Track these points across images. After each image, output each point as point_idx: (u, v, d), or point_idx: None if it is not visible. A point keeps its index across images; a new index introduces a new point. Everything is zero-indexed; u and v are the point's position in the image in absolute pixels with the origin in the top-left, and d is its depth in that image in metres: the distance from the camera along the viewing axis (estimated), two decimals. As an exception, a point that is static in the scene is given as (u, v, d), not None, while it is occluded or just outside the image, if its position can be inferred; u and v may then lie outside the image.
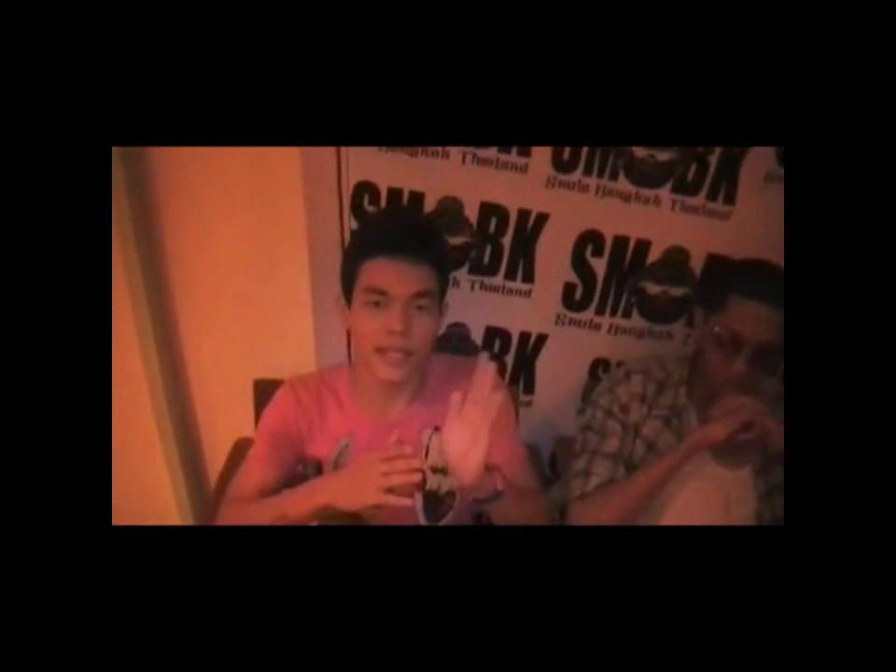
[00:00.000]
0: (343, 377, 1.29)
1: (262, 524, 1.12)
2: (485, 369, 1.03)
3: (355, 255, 1.13)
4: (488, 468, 1.07)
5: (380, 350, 1.12)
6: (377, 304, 1.10)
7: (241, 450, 1.58)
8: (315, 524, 1.24)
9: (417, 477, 1.03)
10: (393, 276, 1.09)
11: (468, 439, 1.03)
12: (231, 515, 1.18)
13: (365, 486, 1.02)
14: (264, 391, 1.50)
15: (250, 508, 1.16)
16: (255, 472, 1.22)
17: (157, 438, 1.65)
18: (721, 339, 1.28)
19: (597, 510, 1.34)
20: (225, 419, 1.68)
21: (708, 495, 1.38)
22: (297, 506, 1.09)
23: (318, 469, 1.27)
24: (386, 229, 1.14)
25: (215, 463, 1.73)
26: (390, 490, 1.02)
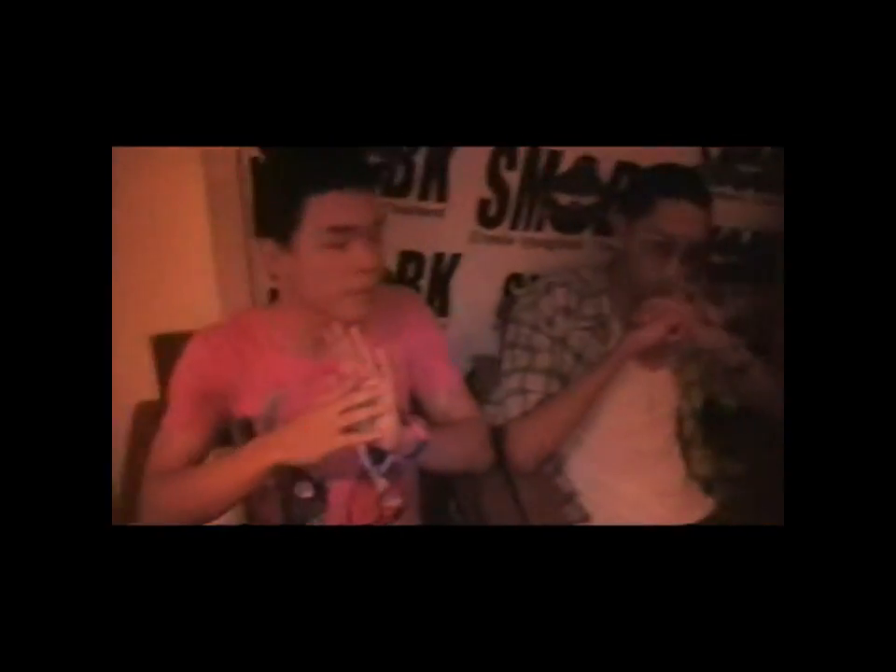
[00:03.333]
0: (260, 321, 1.17)
1: (204, 496, 1.03)
2: (353, 333, 0.99)
3: (296, 193, 0.98)
4: (405, 422, 1.03)
5: (348, 291, 1.02)
6: (339, 244, 0.99)
7: (144, 415, 1.43)
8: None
9: (384, 406, 0.97)
10: (353, 209, 0.98)
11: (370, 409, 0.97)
12: (163, 493, 1.06)
13: (322, 432, 0.95)
14: (165, 347, 1.36)
15: (185, 481, 1.04)
16: (177, 441, 1.09)
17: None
18: (653, 242, 1.30)
19: (540, 427, 1.34)
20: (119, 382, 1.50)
21: (634, 396, 1.42)
22: (243, 471, 0.99)
23: (247, 428, 1.16)
24: (326, 160, 1.01)
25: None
26: (349, 430, 0.94)
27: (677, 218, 1.27)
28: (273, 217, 1.03)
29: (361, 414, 0.95)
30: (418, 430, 1.05)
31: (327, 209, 0.98)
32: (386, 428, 0.98)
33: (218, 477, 1.02)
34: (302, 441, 0.97)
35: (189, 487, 1.03)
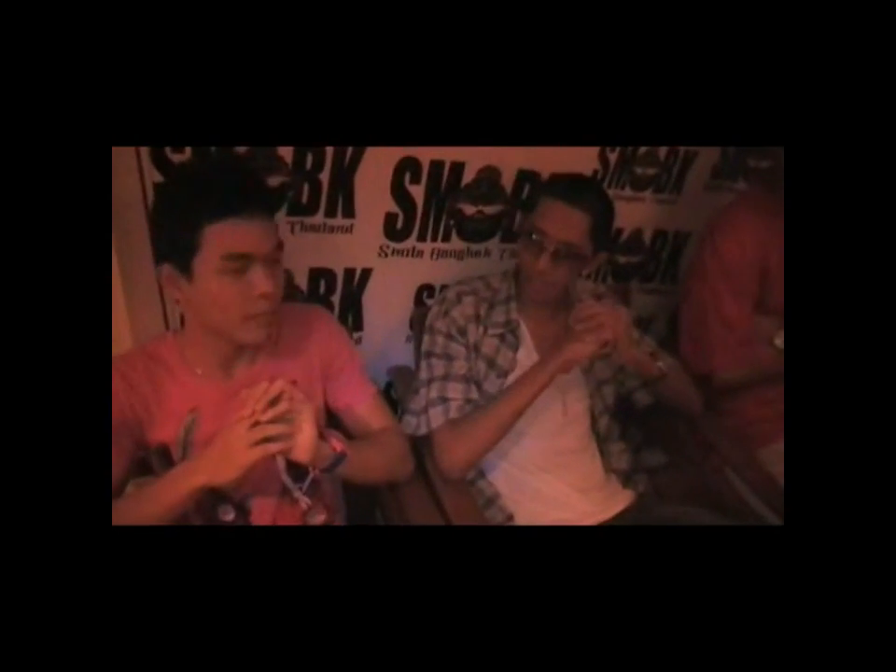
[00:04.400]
0: (169, 347, 1.17)
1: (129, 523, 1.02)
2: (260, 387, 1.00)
3: (193, 220, 0.98)
4: (322, 436, 1.05)
5: (248, 317, 1.03)
6: (237, 270, 1.00)
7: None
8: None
9: (298, 421, 0.99)
10: (250, 237, 0.99)
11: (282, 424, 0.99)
12: None
13: (234, 448, 0.96)
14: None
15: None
16: None
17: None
18: (530, 237, 1.36)
19: (469, 437, 1.36)
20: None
21: (548, 399, 1.45)
22: (168, 498, 1.00)
23: (164, 454, 1.16)
24: (225, 185, 1.01)
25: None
26: (259, 443, 0.96)
27: (550, 217, 1.34)
28: (171, 242, 1.03)
29: (271, 429, 0.96)
30: (335, 443, 1.07)
31: (223, 237, 0.98)
32: (302, 441, 0.99)
33: (144, 508, 1.02)
34: (219, 461, 0.98)
35: (115, 520, 1.03)
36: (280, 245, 1.05)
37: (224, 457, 0.97)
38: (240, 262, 0.99)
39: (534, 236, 1.35)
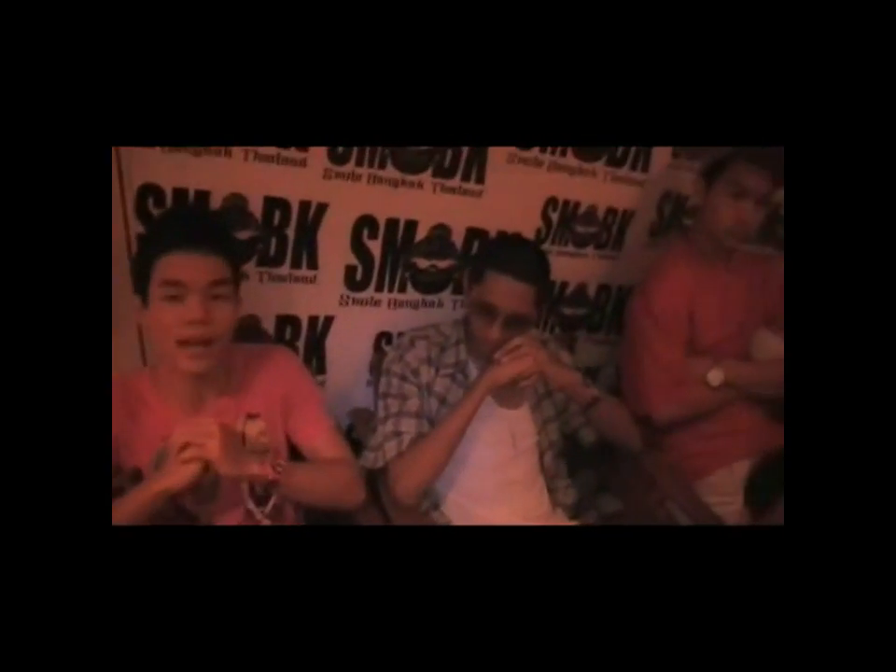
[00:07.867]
0: (145, 381, 1.29)
1: None
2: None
3: (148, 253, 1.15)
4: (260, 460, 1.19)
5: (181, 342, 1.15)
6: (174, 298, 1.13)
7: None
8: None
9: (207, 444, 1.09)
10: (188, 267, 1.12)
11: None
12: None
13: (173, 461, 1.09)
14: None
15: None
16: None
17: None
18: (480, 307, 1.48)
19: (417, 463, 1.47)
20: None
21: (499, 433, 1.59)
22: (133, 503, 1.10)
23: (137, 478, 1.26)
24: (177, 225, 1.19)
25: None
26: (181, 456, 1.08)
27: (498, 291, 1.45)
28: (137, 275, 1.18)
29: (189, 453, 1.08)
30: (268, 469, 1.18)
31: (166, 266, 1.12)
32: (215, 457, 1.09)
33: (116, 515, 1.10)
34: (166, 471, 1.10)
35: None
36: (225, 282, 1.17)
37: (172, 467, 1.09)
38: (175, 289, 1.12)
39: (482, 305, 1.47)
